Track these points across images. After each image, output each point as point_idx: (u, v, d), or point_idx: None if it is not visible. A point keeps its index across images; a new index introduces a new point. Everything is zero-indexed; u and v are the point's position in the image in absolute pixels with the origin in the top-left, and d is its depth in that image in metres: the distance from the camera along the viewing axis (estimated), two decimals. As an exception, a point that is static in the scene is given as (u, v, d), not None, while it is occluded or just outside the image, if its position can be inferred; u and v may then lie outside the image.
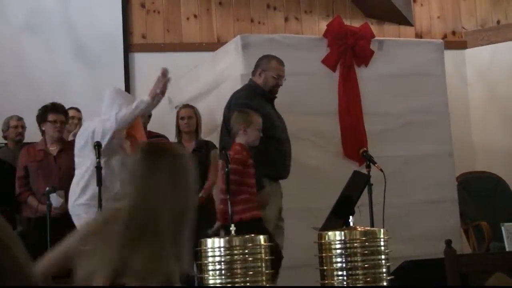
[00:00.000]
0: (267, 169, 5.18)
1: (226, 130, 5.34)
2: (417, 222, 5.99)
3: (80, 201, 5.08)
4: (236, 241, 3.12)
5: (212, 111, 6.22)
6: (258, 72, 5.51)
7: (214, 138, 6.02)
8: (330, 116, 5.99)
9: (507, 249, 5.18)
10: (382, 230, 3.20)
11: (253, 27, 6.99)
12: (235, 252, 3.10)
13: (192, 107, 5.95)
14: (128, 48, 7.11)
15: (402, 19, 7.48)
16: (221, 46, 6.42)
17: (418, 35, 7.51)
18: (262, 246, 3.15)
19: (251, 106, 5.24)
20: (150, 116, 6.16)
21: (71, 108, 6.23)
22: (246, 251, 3.11)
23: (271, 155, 5.25)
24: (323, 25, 6.47)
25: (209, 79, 6.30)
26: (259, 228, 4.57)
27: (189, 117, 5.86)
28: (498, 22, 7.68)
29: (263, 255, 3.14)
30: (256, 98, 5.40)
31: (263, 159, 5.08)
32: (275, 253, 4.30)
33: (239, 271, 3.09)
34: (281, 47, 5.96)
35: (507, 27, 7.57)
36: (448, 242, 3.66)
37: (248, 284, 3.08)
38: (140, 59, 7.10)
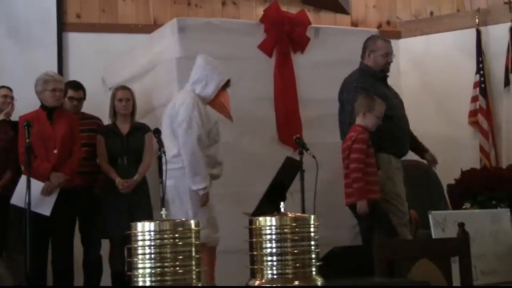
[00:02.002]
0: (390, 147, 5.42)
1: (343, 110, 5.57)
2: (347, 209, 6.05)
3: None
4: (167, 225, 3.10)
5: (147, 93, 6.17)
6: (367, 54, 5.66)
7: (149, 120, 5.99)
8: (265, 102, 6.02)
9: (433, 237, 5.31)
10: (312, 216, 3.22)
11: (190, 10, 6.95)
12: (165, 236, 3.08)
13: (129, 89, 5.89)
14: (62, 27, 6.98)
15: (339, 8, 7.54)
16: (157, 29, 6.37)
17: (354, 24, 7.59)
18: (193, 231, 3.14)
19: (363, 88, 5.42)
20: (84, 98, 6.08)
21: (3, 86, 6.11)
22: (177, 235, 3.09)
23: (392, 133, 5.44)
24: (261, 11, 6.48)
25: (145, 61, 6.25)
26: (377, 210, 4.99)
27: (126, 99, 5.81)
28: (432, 13, 7.81)
29: (193, 239, 3.13)
30: (367, 79, 5.53)
31: (386, 138, 5.31)
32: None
33: (168, 255, 3.07)
34: (218, 31, 5.95)
35: (440, 18, 7.70)
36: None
37: (177, 268, 3.07)
38: (74, 39, 6.98)
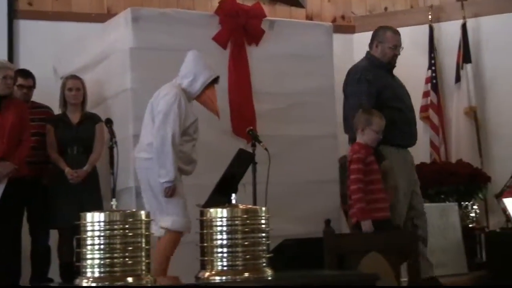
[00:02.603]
0: (394, 138, 5.32)
1: (347, 103, 5.51)
2: (299, 201, 6.09)
3: None
4: (117, 215, 3.08)
5: (99, 83, 6.11)
6: (374, 45, 5.59)
7: (101, 110, 5.94)
8: (219, 93, 5.98)
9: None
10: (263, 208, 3.23)
11: (145, 0, 6.89)
12: (115, 227, 3.06)
13: (79, 78, 5.84)
14: (13, 14, 6.85)
15: (294, 1, 7.55)
16: (111, 18, 6.30)
17: (309, 17, 7.61)
18: (143, 222, 3.12)
19: (367, 80, 5.36)
20: (34, 86, 6.00)
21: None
22: (127, 226, 3.07)
23: (396, 123, 5.35)
24: (216, 2, 6.44)
25: (98, 51, 6.17)
26: (387, 229, 4.76)
27: (77, 88, 5.76)
28: (386, 9, 7.87)
29: (143, 230, 3.11)
30: (373, 70, 5.48)
31: (391, 129, 5.19)
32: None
33: (118, 246, 3.05)
34: (173, 22, 5.91)
35: (394, 14, 7.76)
36: (327, 222, 3.75)
37: (127, 259, 3.05)
38: (26, 27, 6.86)
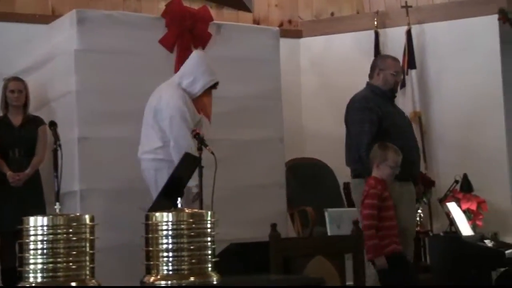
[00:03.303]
0: None
1: (349, 133, 5.37)
2: (246, 205, 6.09)
3: None
4: (60, 219, 3.03)
5: (43, 85, 6.03)
6: (376, 73, 5.45)
7: (44, 113, 5.85)
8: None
9: (329, 234, 5.40)
10: (209, 212, 3.22)
11: (90, 2, 6.79)
12: (59, 231, 3.02)
13: (21, 80, 5.75)
14: (-47, 14, 6.70)
15: (241, 5, 7.54)
16: (55, 19, 6.22)
17: (256, 22, 7.61)
18: (87, 226, 3.08)
19: (368, 108, 5.23)
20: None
21: None
22: (70, 230, 3.03)
23: None
24: (163, 5, 6.41)
25: (42, 52, 6.09)
26: (400, 264, 4.66)
27: (19, 90, 5.68)
28: (332, 14, 7.92)
29: (87, 234, 3.07)
30: (373, 99, 5.33)
31: None
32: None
33: (61, 250, 3.01)
34: (119, 24, 5.86)
35: (340, 19, 7.82)
36: (273, 226, 3.75)
37: (71, 264, 3.00)
38: (-32, 27, 6.72)
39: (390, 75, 5.43)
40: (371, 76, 5.50)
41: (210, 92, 5.39)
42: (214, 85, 5.39)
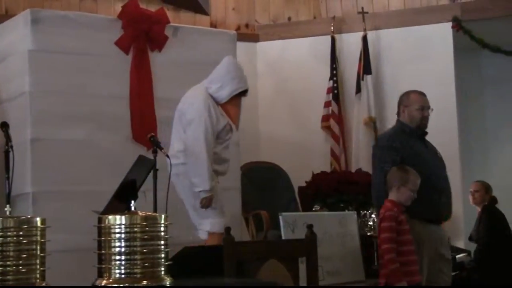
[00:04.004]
0: (425, 212, 4.93)
1: (375, 171, 5.16)
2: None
3: None
4: (10, 222, 2.98)
5: (-4, 86, 5.95)
6: (401, 110, 5.24)
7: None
8: (121, 99, 5.92)
9: (283, 237, 5.40)
10: (163, 215, 3.19)
11: (45, 2, 6.73)
12: (9, 234, 2.97)
13: None
14: None
15: (198, 8, 7.54)
16: (9, 19, 6.13)
17: (213, 25, 7.61)
18: (38, 228, 3.04)
19: (394, 147, 5.02)
20: None
21: None
22: (21, 233, 2.98)
23: (427, 196, 4.92)
24: (119, 6, 6.38)
25: (-6, 52, 6.01)
26: None
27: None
28: (290, 18, 7.96)
29: (38, 237, 3.03)
30: (400, 138, 5.10)
31: (419, 202, 4.82)
32: None
33: (12, 253, 2.96)
34: (74, 25, 5.80)
35: (297, 24, 7.86)
36: (227, 230, 3.74)
37: (20, 267, 2.96)
38: None
39: (415, 110, 5.19)
40: (398, 114, 5.31)
41: (239, 99, 5.35)
42: (244, 93, 5.34)
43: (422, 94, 5.30)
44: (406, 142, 5.10)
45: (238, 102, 5.36)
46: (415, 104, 5.20)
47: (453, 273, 6.34)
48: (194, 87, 5.43)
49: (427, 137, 5.32)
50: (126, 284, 3.06)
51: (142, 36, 6.02)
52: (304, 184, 6.99)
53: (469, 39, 7.22)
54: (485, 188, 6.69)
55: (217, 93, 5.28)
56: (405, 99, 5.29)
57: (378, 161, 5.14)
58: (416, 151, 5.11)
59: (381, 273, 4.71)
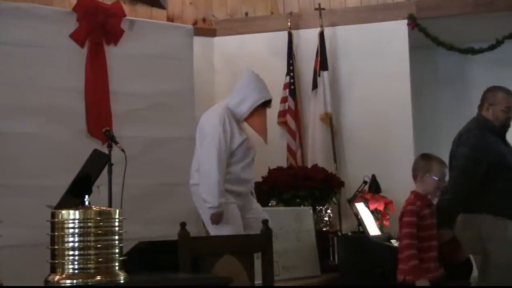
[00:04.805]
0: (506, 209, 4.84)
1: (450, 166, 4.94)
2: (156, 204, 6.06)
3: None
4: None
5: None
6: (485, 107, 5.05)
7: None
8: (75, 93, 5.87)
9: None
10: (118, 210, 3.16)
11: (-1, -7, 6.62)
12: None
13: None
14: None
15: (155, 2, 7.48)
16: (-39, 10, 6.02)
17: (170, 19, 7.56)
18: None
19: (487, 143, 4.88)
20: None
21: None
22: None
23: (508, 194, 4.86)
24: (75, -1, 6.31)
25: None
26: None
27: None
28: (247, 14, 7.95)
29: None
30: (487, 134, 4.96)
31: (503, 201, 4.77)
32: None
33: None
34: (28, 17, 5.73)
35: (254, 19, 7.85)
36: (183, 224, 3.72)
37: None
38: None
39: (501, 111, 5.04)
40: (480, 107, 5.14)
41: (263, 111, 5.25)
42: (267, 103, 5.22)
43: (509, 94, 5.10)
44: (490, 140, 4.97)
45: (263, 113, 5.24)
46: (502, 104, 5.05)
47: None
48: (217, 103, 5.34)
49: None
50: (80, 280, 3.03)
51: (97, 29, 5.97)
52: (260, 180, 6.98)
53: (424, 36, 7.28)
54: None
55: (238, 107, 5.16)
56: (491, 96, 5.10)
57: (463, 156, 4.98)
58: (500, 151, 4.99)
59: (400, 269, 4.57)
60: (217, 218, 5.00)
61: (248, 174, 5.21)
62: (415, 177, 4.70)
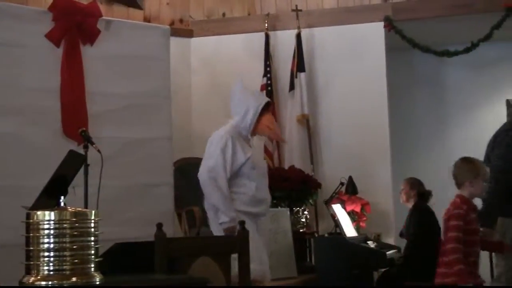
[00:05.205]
0: None
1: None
2: (133, 205, 6.03)
3: None
4: None
5: None
6: None
7: None
8: (51, 93, 5.83)
9: (214, 234, 5.38)
10: (93, 211, 3.14)
11: (-28, -8, 6.56)
12: None
13: None
14: None
15: (132, 2, 7.45)
16: None
17: (147, 19, 7.54)
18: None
19: None
20: None
21: None
22: None
23: None
24: (51, -2, 6.26)
25: None
26: None
27: None
28: (224, 15, 7.94)
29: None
30: None
31: None
32: None
33: None
34: (4, 17, 5.68)
35: (231, 20, 7.85)
36: (159, 226, 3.71)
37: None
38: None
39: None
40: None
41: (268, 115, 5.16)
42: (267, 106, 5.13)
43: None
44: None
45: (269, 117, 5.15)
46: None
47: (383, 269, 6.45)
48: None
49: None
50: (55, 281, 3.00)
51: (73, 29, 5.93)
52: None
53: (400, 38, 7.32)
54: (410, 184, 6.78)
55: (244, 120, 5.07)
56: None
57: (499, 157, 4.97)
58: None
59: (441, 272, 4.55)
60: (230, 232, 4.80)
61: (264, 193, 5.07)
62: (461, 182, 4.61)
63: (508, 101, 8.32)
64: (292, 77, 7.39)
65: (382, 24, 7.35)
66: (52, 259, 3.03)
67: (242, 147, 5.04)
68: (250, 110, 5.05)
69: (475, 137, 8.32)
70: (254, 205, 5.01)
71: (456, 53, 7.40)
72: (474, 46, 7.25)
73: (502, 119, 8.27)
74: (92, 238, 3.09)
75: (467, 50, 7.30)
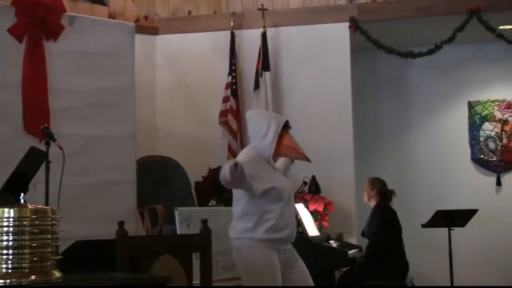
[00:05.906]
0: None
1: None
2: (95, 202, 5.99)
3: None
4: None
5: None
6: None
7: None
8: (12, 89, 5.76)
9: (178, 232, 5.37)
10: (54, 209, 3.12)
11: None
12: None
13: None
14: None
15: (97, -2, 7.40)
16: None
17: (112, 16, 7.49)
18: None
19: None
20: None
21: None
22: None
23: None
24: (13, -7, 6.18)
25: None
26: None
27: None
28: (190, 12, 7.92)
29: None
30: None
31: None
32: None
33: None
34: (-36, 11, 5.60)
35: (197, 18, 7.83)
36: (120, 224, 3.69)
37: None
38: None
39: None
40: None
41: (287, 135, 4.80)
42: (286, 126, 4.80)
43: None
44: None
45: (289, 137, 4.82)
46: None
47: (344, 269, 6.48)
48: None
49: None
50: (13, 280, 2.97)
51: (36, 24, 5.86)
52: (201, 179, 6.97)
53: (365, 39, 7.36)
54: (371, 184, 6.83)
55: (263, 142, 4.69)
56: None
57: None
58: None
59: None
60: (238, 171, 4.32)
61: (287, 218, 4.70)
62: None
63: (469, 103, 8.42)
64: (257, 76, 7.39)
65: (347, 24, 7.39)
66: (11, 257, 3.00)
67: (264, 173, 4.71)
68: (268, 133, 4.72)
69: (437, 137, 8.43)
70: (278, 232, 4.65)
71: (420, 55, 7.46)
72: (437, 48, 7.32)
73: (464, 120, 8.42)
74: (52, 236, 3.07)
75: (430, 52, 7.37)
